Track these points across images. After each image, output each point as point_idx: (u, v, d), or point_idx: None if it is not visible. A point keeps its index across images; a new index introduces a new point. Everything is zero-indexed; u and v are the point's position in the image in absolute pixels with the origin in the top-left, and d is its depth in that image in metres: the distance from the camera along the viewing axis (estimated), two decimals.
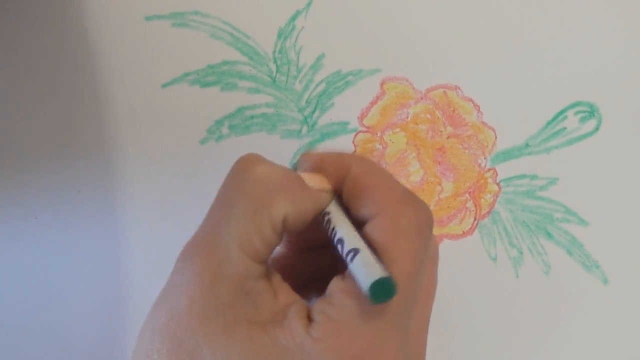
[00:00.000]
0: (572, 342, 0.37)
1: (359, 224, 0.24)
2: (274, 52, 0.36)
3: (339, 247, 0.23)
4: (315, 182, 0.25)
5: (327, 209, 0.25)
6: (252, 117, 0.36)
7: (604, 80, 0.37)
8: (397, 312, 0.22)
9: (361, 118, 0.36)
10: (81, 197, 0.35)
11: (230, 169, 0.25)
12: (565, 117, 0.37)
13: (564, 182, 0.37)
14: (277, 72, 0.36)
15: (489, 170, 0.37)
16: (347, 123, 0.36)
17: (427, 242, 0.24)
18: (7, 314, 0.35)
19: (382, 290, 0.20)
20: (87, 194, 0.35)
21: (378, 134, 0.36)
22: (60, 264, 0.35)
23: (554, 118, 0.37)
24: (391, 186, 0.24)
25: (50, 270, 0.35)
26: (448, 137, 0.36)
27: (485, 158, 0.37)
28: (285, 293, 0.23)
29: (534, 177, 0.37)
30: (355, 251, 0.22)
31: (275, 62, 0.36)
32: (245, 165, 0.24)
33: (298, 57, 0.36)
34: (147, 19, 0.35)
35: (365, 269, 0.21)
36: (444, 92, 0.36)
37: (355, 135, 0.36)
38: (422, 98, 0.36)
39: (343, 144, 0.36)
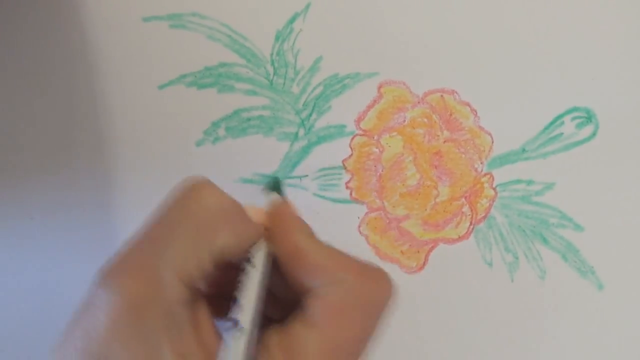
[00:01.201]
0: (567, 347, 0.37)
1: (290, 288, 0.24)
2: (272, 54, 0.36)
3: (234, 303, 0.23)
4: (257, 215, 0.25)
5: (252, 255, 0.24)
6: (248, 119, 0.36)
7: (601, 86, 0.37)
8: None
9: (358, 121, 0.36)
10: (77, 197, 0.35)
11: (177, 189, 0.24)
12: (562, 123, 0.37)
13: (560, 187, 0.37)
14: (274, 74, 0.36)
15: (486, 174, 0.37)
16: (344, 126, 0.36)
17: (382, 314, 0.23)
18: (3, 313, 0.35)
19: None
20: (83, 194, 0.35)
21: (375, 138, 0.36)
22: (56, 264, 0.35)
23: (551, 123, 0.37)
24: (345, 255, 0.24)
25: (46, 271, 0.35)
26: (445, 142, 0.36)
27: (481, 163, 0.37)
28: (211, 330, 0.22)
29: (530, 182, 0.37)
30: (240, 330, 0.22)
31: (272, 64, 0.36)
32: (193, 189, 0.23)
33: (295, 60, 0.36)
34: (145, 19, 0.35)
35: (231, 356, 0.21)
36: (441, 96, 0.36)
37: (352, 138, 0.36)
38: (419, 102, 0.36)
39: (340, 147, 0.36)
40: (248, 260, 0.24)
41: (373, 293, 0.23)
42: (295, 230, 0.24)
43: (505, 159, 0.37)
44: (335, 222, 0.36)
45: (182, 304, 0.21)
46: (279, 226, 0.25)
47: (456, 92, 0.37)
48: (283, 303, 0.26)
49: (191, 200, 0.23)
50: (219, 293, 0.25)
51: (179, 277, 0.21)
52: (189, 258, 0.21)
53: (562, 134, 0.37)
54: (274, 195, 0.28)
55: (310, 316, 0.22)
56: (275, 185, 0.29)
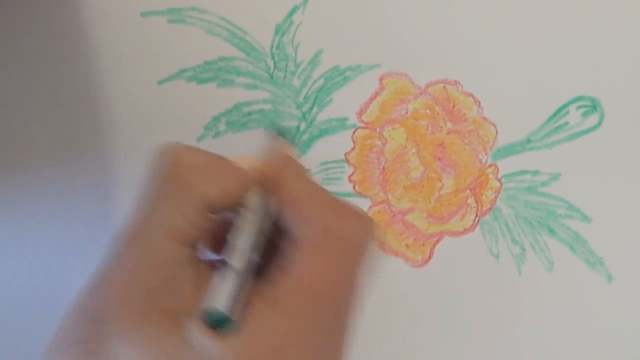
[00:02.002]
0: (577, 340, 0.36)
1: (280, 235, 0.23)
2: (272, 47, 0.35)
3: (227, 246, 0.23)
4: (246, 162, 0.25)
5: (247, 200, 0.24)
6: (249, 113, 0.35)
7: (606, 75, 0.36)
8: (307, 321, 0.21)
9: (360, 114, 0.36)
10: (77, 195, 0.35)
11: (154, 157, 0.24)
12: (567, 112, 0.36)
13: (566, 177, 0.36)
14: (274, 68, 0.36)
15: (490, 166, 0.36)
16: (346, 119, 0.36)
17: (361, 257, 0.23)
18: (3, 312, 0.34)
19: (217, 321, 0.20)
20: (83, 191, 0.35)
21: (377, 130, 0.36)
22: (57, 262, 0.35)
23: (556, 113, 0.36)
24: (332, 197, 0.23)
25: (46, 269, 0.35)
26: (448, 133, 0.36)
27: (486, 154, 0.36)
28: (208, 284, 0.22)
29: (536, 172, 0.36)
30: (229, 268, 0.21)
31: (272, 58, 0.36)
32: (166, 153, 0.24)
33: (296, 53, 0.36)
34: (143, 14, 0.35)
35: (216, 293, 0.21)
36: (444, 87, 0.36)
37: (354, 131, 0.36)
38: (421, 93, 0.36)
39: (342, 140, 0.36)
40: (241, 204, 0.24)
41: (352, 234, 0.23)
42: (287, 171, 0.24)
43: (510, 150, 0.36)
44: None
45: (179, 263, 0.21)
46: (274, 170, 0.24)
47: (459, 83, 0.36)
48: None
49: (163, 162, 0.23)
50: None
51: (170, 235, 0.21)
52: (174, 215, 0.22)
53: (567, 123, 0.36)
54: (276, 142, 0.27)
55: (287, 261, 0.22)
56: (280, 132, 0.28)
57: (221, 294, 0.21)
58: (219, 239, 0.26)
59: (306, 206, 0.23)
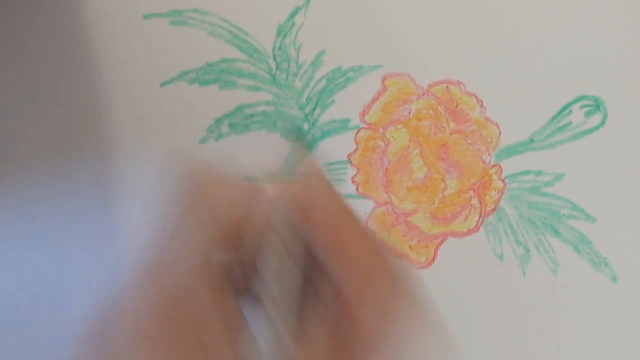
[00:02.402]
0: (581, 341, 0.36)
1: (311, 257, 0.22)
2: (274, 49, 0.35)
3: (264, 290, 0.22)
4: (275, 189, 0.24)
5: (280, 238, 0.22)
6: (252, 115, 0.35)
7: (609, 74, 0.36)
8: None
9: (363, 115, 0.36)
10: (79, 197, 0.35)
11: (178, 182, 0.23)
12: (570, 112, 0.36)
13: (570, 177, 0.36)
14: (276, 69, 0.35)
15: (494, 166, 0.36)
16: (348, 120, 0.36)
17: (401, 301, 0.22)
18: (4, 314, 0.34)
19: None
20: (85, 193, 0.34)
21: (380, 131, 0.36)
22: (59, 264, 0.34)
23: (559, 112, 0.36)
24: (365, 236, 0.22)
25: (48, 271, 0.34)
26: (451, 133, 0.36)
27: (489, 154, 0.36)
28: (237, 322, 0.22)
29: (539, 172, 0.36)
30: (275, 323, 0.21)
31: (274, 59, 0.35)
32: (197, 180, 0.23)
33: (298, 54, 0.36)
34: (146, 17, 0.35)
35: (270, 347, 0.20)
36: (447, 87, 0.36)
37: (357, 132, 0.36)
38: (424, 94, 0.36)
39: (345, 141, 0.36)
40: (272, 238, 0.22)
41: (394, 280, 0.22)
42: (323, 203, 0.22)
43: (513, 150, 0.36)
44: None
45: (207, 303, 0.21)
46: (308, 199, 0.23)
47: (462, 83, 0.36)
48: None
49: (196, 192, 0.22)
50: None
51: (197, 270, 0.21)
52: (207, 251, 0.21)
53: (570, 123, 0.36)
54: (304, 159, 0.25)
55: (329, 310, 0.21)
56: (300, 138, 0.26)
57: (267, 342, 0.20)
58: (245, 272, 0.24)
59: (346, 248, 0.22)
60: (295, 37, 0.35)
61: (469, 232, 0.36)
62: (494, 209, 0.36)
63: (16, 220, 0.34)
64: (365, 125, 0.36)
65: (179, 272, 0.20)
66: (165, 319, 0.20)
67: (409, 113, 0.36)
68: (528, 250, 0.36)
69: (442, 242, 0.36)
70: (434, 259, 0.36)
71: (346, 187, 0.36)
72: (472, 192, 0.36)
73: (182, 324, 0.20)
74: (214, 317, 0.21)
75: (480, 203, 0.36)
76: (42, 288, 0.34)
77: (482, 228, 0.36)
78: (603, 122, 0.36)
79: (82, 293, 0.34)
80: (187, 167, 0.23)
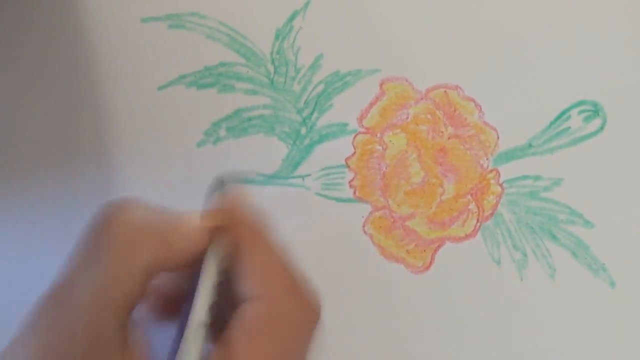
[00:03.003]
0: (579, 347, 0.36)
1: (234, 296, 0.23)
2: (272, 52, 0.35)
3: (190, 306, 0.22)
4: (196, 221, 0.24)
5: (206, 262, 0.24)
6: (249, 118, 0.35)
7: (608, 79, 0.36)
8: None
9: (361, 119, 0.36)
10: (78, 200, 0.35)
11: (93, 217, 0.23)
12: (569, 117, 0.36)
13: (568, 183, 0.36)
14: (275, 73, 0.35)
15: (492, 171, 0.36)
16: (346, 124, 0.36)
17: (303, 345, 0.22)
18: (4, 317, 0.34)
19: None
20: (84, 197, 0.35)
21: (378, 135, 0.36)
22: (58, 269, 0.34)
23: (558, 117, 0.36)
24: (284, 268, 0.23)
25: (47, 276, 0.35)
26: (449, 138, 0.36)
27: (487, 159, 0.36)
28: (141, 355, 0.22)
29: (537, 177, 0.36)
30: (194, 325, 0.22)
31: (273, 63, 0.35)
32: (107, 214, 0.23)
33: (296, 58, 0.35)
34: (144, 20, 0.35)
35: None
36: (445, 92, 0.36)
37: (355, 136, 0.36)
38: (422, 98, 0.36)
39: (342, 145, 0.36)
40: (193, 265, 0.24)
41: (295, 315, 0.22)
42: (243, 231, 0.24)
43: (511, 155, 0.36)
44: (339, 222, 0.35)
45: (108, 333, 0.20)
46: (230, 229, 0.24)
47: (460, 88, 0.36)
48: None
49: (103, 226, 0.22)
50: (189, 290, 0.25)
51: (99, 304, 0.20)
52: (108, 283, 0.21)
53: (569, 128, 0.36)
54: (221, 193, 0.27)
55: (228, 334, 0.21)
56: (220, 185, 0.28)
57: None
58: (169, 299, 0.25)
59: (259, 276, 0.22)
60: (294, 41, 0.35)
61: (467, 237, 0.36)
62: (491, 214, 0.36)
63: (15, 224, 0.34)
64: (363, 130, 0.36)
65: (82, 302, 0.20)
66: (66, 345, 0.20)
67: (407, 117, 0.36)
68: (526, 256, 0.36)
69: (439, 246, 0.36)
70: (431, 263, 0.36)
71: (344, 191, 0.36)
72: (469, 196, 0.36)
73: (82, 350, 0.20)
74: (114, 343, 0.20)
75: (478, 208, 0.36)
76: (40, 291, 0.34)
77: (479, 233, 0.36)
78: (602, 128, 0.36)
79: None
80: (110, 202, 0.23)
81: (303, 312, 0.22)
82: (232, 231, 0.24)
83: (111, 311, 0.21)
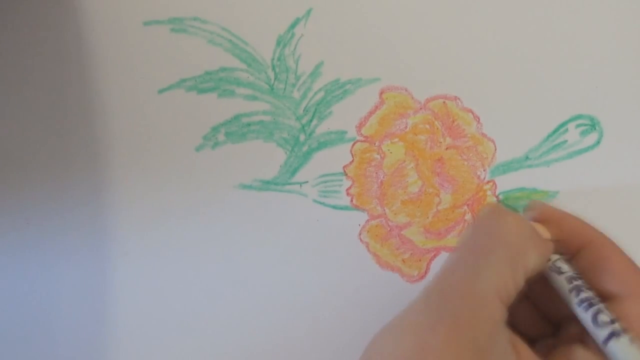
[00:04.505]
0: None
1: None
2: (273, 59, 0.36)
3: (585, 313, 0.24)
4: (545, 232, 0.27)
5: (561, 268, 0.26)
6: (249, 124, 0.35)
7: (605, 93, 0.36)
8: None
9: (359, 127, 0.36)
10: (74, 202, 0.35)
11: (477, 217, 0.26)
12: (566, 130, 0.36)
13: (563, 196, 0.36)
14: (275, 79, 0.36)
15: (488, 182, 0.36)
16: (345, 132, 0.36)
17: None
18: None
19: None
20: (80, 199, 0.35)
21: (376, 144, 0.36)
22: (52, 269, 0.34)
23: (555, 131, 0.36)
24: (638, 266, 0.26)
25: (41, 275, 0.34)
26: (447, 148, 0.36)
27: (484, 170, 0.36)
28: (527, 349, 0.23)
29: (533, 190, 0.36)
30: (615, 333, 0.22)
31: (273, 69, 0.36)
32: (497, 215, 0.25)
33: (297, 65, 0.36)
34: (146, 23, 0.35)
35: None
36: (444, 102, 0.36)
37: (353, 144, 0.36)
38: (421, 108, 0.36)
39: (341, 153, 0.36)
40: (558, 270, 0.26)
41: None
42: (596, 239, 0.27)
43: (508, 167, 0.36)
44: (335, 230, 0.35)
45: (503, 325, 0.22)
46: (572, 235, 0.27)
47: (459, 99, 0.36)
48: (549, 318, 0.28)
49: (498, 225, 0.25)
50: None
51: (499, 297, 0.22)
52: (507, 279, 0.23)
53: (566, 141, 0.36)
54: (533, 204, 0.30)
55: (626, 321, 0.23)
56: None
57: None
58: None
59: (626, 276, 0.25)
60: (295, 48, 0.36)
61: None
62: None
63: (10, 223, 0.34)
64: (362, 138, 0.36)
65: (485, 297, 0.22)
66: (469, 338, 0.21)
67: (406, 127, 0.36)
68: None
69: (434, 256, 0.36)
70: (426, 273, 0.36)
71: (341, 199, 0.36)
72: (466, 207, 0.36)
73: (483, 344, 0.21)
74: (504, 339, 0.22)
75: (474, 218, 0.36)
76: (34, 291, 0.34)
77: None
78: (598, 142, 0.36)
79: (74, 296, 0.34)
80: (491, 207, 0.26)
81: None
82: (579, 239, 0.27)
83: (505, 307, 0.23)
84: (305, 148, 0.36)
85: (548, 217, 0.29)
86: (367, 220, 0.36)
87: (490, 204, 0.27)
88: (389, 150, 0.36)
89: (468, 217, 0.36)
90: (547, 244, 0.26)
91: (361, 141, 0.36)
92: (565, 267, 0.26)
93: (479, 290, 0.22)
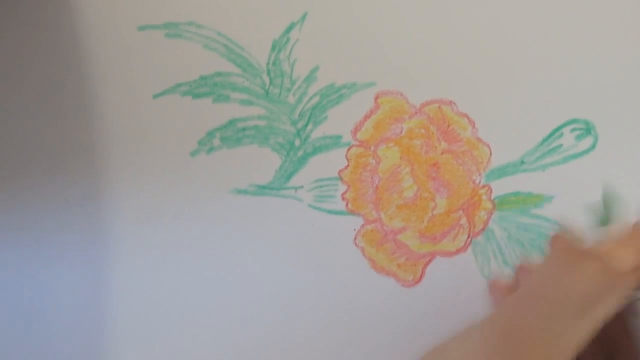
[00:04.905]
0: None
1: None
2: (268, 64, 0.36)
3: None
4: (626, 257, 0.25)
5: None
6: (244, 129, 0.35)
7: (600, 98, 0.36)
8: None
9: (354, 132, 0.36)
10: (70, 206, 0.35)
11: (550, 257, 0.25)
12: (561, 135, 0.36)
13: (559, 200, 0.36)
14: (270, 84, 0.36)
15: (484, 186, 0.36)
16: (340, 137, 0.36)
17: None
18: None
19: None
20: (77, 203, 0.34)
21: (371, 148, 0.36)
22: (49, 271, 0.34)
23: (550, 135, 0.36)
24: None
25: (39, 277, 0.34)
26: (442, 153, 0.36)
27: (479, 174, 0.36)
28: None
29: (528, 194, 0.36)
30: None
31: (268, 74, 0.36)
32: (572, 259, 0.24)
33: (292, 70, 0.36)
34: (140, 28, 0.35)
35: None
36: (439, 107, 0.36)
37: (348, 149, 0.36)
38: (416, 113, 0.36)
39: (336, 157, 0.36)
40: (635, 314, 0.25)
41: None
42: None
43: (503, 171, 0.36)
44: (330, 234, 0.35)
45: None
46: None
47: (454, 103, 0.36)
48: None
49: (572, 275, 0.24)
50: None
51: (571, 351, 0.22)
52: (582, 334, 0.22)
53: (561, 145, 0.36)
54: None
55: None
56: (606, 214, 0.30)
57: None
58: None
59: None
60: (290, 53, 0.36)
61: (457, 251, 0.36)
62: (482, 229, 0.36)
63: (5, 227, 0.34)
64: (357, 143, 0.36)
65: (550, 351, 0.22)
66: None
67: (401, 131, 0.36)
68: None
69: (430, 260, 0.36)
70: (421, 277, 0.36)
71: (336, 203, 0.36)
72: (461, 212, 0.36)
73: None
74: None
75: (469, 223, 0.36)
76: (30, 293, 0.34)
77: (470, 248, 0.36)
78: (593, 146, 0.36)
79: (71, 297, 0.34)
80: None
81: None
82: None
83: (574, 356, 0.22)
84: (300, 153, 0.36)
85: None
86: (363, 225, 0.36)
87: (562, 240, 0.25)
88: (384, 154, 0.36)
89: (463, 221, 0.36)
90: (626, 285, 0.24)
91: (356, 146, 0.36)
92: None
93: (552, 342, 0.22)
